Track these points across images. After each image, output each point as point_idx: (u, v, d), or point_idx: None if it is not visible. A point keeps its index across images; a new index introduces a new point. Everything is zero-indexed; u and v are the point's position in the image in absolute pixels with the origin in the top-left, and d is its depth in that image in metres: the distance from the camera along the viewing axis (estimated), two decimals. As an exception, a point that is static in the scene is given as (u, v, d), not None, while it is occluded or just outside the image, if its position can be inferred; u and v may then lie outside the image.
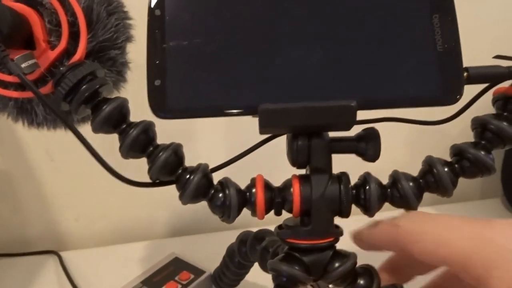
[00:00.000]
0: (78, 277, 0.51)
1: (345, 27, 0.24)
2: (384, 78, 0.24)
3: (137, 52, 0.31)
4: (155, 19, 0.25)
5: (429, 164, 0.27)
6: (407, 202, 0.26)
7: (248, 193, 0.27)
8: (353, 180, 0.27)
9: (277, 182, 0.28)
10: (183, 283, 0.45)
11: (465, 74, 0.25)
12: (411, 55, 0.25)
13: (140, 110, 0.28)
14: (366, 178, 0.27)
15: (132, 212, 0.61)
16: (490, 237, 0.21)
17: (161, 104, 0.24)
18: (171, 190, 0.27)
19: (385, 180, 0.28)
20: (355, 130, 0.27)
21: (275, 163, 0.33)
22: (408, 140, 0.66)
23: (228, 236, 0.41)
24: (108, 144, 0.29)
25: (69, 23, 0.27)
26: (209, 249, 0.47)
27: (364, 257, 0.29)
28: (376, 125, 0.28)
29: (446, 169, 0.26)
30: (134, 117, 0.28)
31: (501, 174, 0.62)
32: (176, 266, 0.48)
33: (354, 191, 0.27)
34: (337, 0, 0.24)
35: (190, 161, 0.27)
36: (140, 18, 0.30)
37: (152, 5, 0.26)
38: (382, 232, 0.26)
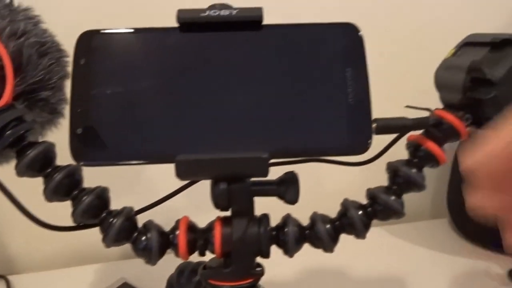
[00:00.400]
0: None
1: (259, 81, 0.26)
2: (297, 129, 0.26)
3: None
4: (79, 67, 0.26)
5: (345, 207, 0.28)
6: (322, 244, 0.28)
7: (171, 235, 0.27)
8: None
9: (207, 219, 0.29)
10: (129, 309, 0.45)
11: (374, 125, 0.26)
12: (324, 107, 0.26)
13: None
14: (286, 220, 0.28)
15: (83, 234, 0.60)
16: None
17: (82, 152, 0.25)
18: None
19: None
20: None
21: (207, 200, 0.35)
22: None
23: (178, 261, 0.42)
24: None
25: (-2, 67, 0.27)
26: (160, 273, 0.47)
27: None
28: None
29: (359, 212, 0.28)
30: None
31: (446, 197, 0.65)
32: (124, 291, 0.49)
33: (274, 232, 0.28)
34: (250, 56, 0.26)
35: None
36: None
37: (77, 54, 0.26)
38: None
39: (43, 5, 0.32)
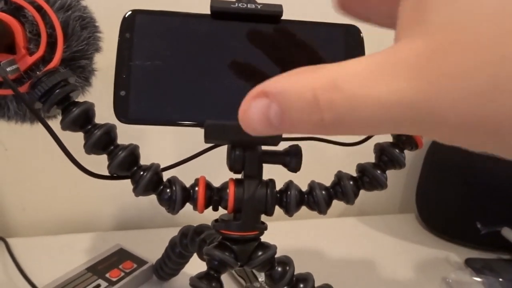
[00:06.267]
0: (24, 263, 0.53)
1: (275, 65, 0.31)
2: None
3: (103, 61, 0.36)
4: (124, 40, 0.30)
5: (339, 177, 0.33)
6: (318, 207, 0.33)
7: (191, 191, 0.32)
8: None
9: (217, 182, 0.33)
10: (126, 271, 0.49)
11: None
12: None
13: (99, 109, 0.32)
14: (288, 185, 0.33)
15: (79, 205, 0.64)
16: None
17: (124, 111, 0.29)
18: (119, 186, 0.32)
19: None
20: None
21: (218, 166, 0.39)
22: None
23: (170, 233, 0.46)
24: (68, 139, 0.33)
25: (48, 34, 0.31)
26: (152, 243, 0.51)
27: (287, 251, 0.35)
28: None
29: (351, 183, 0.33)
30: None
31: (415, 193, 0.71)
32: (120, 256, 0.52)
33: (278, 195, 0.33)
34: (269, 44, 0.31)
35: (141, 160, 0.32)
36: (108, 32, 0.34)
37: (124, 28, 0.31)
38: None
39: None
